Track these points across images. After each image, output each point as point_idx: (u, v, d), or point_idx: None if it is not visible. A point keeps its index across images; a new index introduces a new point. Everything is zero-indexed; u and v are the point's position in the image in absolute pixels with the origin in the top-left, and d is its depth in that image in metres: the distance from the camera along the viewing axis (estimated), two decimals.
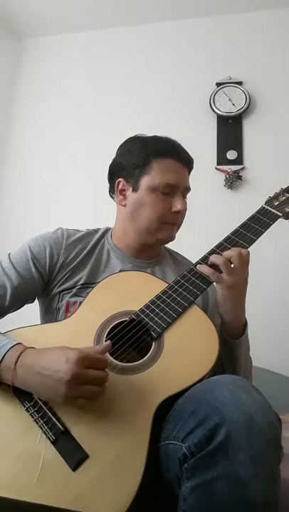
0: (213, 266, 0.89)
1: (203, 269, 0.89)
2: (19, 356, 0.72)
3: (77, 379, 0.67)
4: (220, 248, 0.92)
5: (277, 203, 1.01)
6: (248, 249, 0.91)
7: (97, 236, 1.07)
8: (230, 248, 0.91)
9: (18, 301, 0.96)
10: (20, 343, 0.76)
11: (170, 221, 1.00)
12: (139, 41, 2.26)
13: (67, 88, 2.33)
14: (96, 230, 1.10)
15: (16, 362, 0.72)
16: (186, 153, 1.04)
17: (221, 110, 2.03)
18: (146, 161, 0.99)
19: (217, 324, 1.00)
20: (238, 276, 0.87)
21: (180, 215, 1.01)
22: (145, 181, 0.99)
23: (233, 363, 0.92)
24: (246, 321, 0.93)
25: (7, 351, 0.74)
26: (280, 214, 0.98)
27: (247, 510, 0.56)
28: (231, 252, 0.88)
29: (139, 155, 1.00)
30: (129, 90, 2.22)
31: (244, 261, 0.88)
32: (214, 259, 0.89)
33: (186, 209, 1.01)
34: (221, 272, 0.88)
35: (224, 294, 0.88)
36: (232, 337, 0.90)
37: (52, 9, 2.21)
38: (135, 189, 1.00)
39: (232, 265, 0.88)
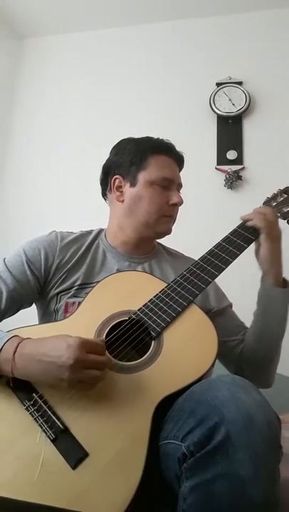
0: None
1: (256, 220, 0.94)
2: (17, 347, 0.73)
3: (80, 363, 0.68)
4: (218, 248, 0.94)
5: (275, 204, 1.02)
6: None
7: (91, 237, 1.08)
8: (230, 248, 0.93)
9: (14, 304, 0.97)
10: (16, 336, 0.77)
11: (168, 213, 1.03)
12: (139, 41, 2.26)
13: (67, 88, 2.33)
14: (89, 232, 1.11)
15: (14, 353, 0.72)
16: (178, 151, 1.09)
17: (221, 110, 2.04)
18: (143, 157, 1.03)
19: (226, 306, 1.06)
20: (277, 229, 0.95)
21: (177, 207, 1.05)
22: (143, 176, 1.02)
23: (282, 317, 0.96)
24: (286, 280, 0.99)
25: (4, 344, 0.74)
26: (278, 214, 0.99)
27: (246, 510, 0.57)
28: (263, 210, 0.97)
29: (136, 152, 1.04)
30: (129, 90, 2.22)
31: (275, 216, 0.97)
32: (253, 214, 0.97)
33: (182, 202, 1.04)
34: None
35: (271, 246, 0.94)
36: (282, 286, 0.96)
37: (52, 9, 2.21)
38: (133, 184, 1.03)
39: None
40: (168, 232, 1.06)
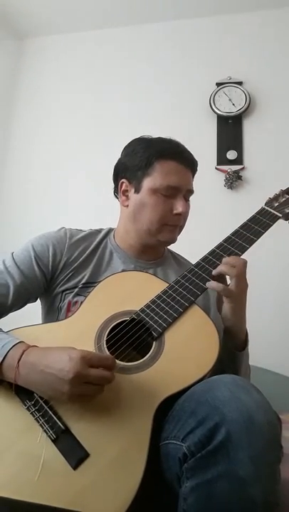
0: (220, 277, 0.88)
1: (214, 285, 0.86)
2: (22, 355, 0.73)
3: (80, 377, 0.67)
4: (220, 248, 0.93)
5: (277, 204, 1.01)
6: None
7: (100, 236, 1.07)
8: (231, 249, 0.91)
9: (21, 299, 0.97)
10: (22, 342, 0.76)
11: (171, 223, 1.00)
12: (139, 41, 2.26)
13: (67, 87, 2.33)
14: (99, 230, 1.10)
15: (19, 360, 0.72)
16: (190, 155, 1.03)
17: (221, 110, 2.04)
18: (148, 162, 0.99)
19: (220, 328, 1.01)
20: (241, 287, 0.86)
21: (181, 217, 1.01)
22: (147, 183, 0.99)
23: (235, 372, 0.91)
24: (247, 331, 0.93)
25: (9, 350, 0.74)
26: (280, 215, 0.98)
27: (247, 510, 0.57)
28: (233, 260, 0.87)
29: (142, 156, 1.00)
30: (129, 90, 2.22)
31: (243, 270, 0.86)
32: (221, 269, 0.87)
33: (187, 211, 1.01)
34: (225, 283, 0.87)
35: (231, 306, 0.87)
36: (237, 348, 0.90)
37: (53, 9, 2.21)
38: (137, 190, 1.01)
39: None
40: (172, 241, 1.04)
